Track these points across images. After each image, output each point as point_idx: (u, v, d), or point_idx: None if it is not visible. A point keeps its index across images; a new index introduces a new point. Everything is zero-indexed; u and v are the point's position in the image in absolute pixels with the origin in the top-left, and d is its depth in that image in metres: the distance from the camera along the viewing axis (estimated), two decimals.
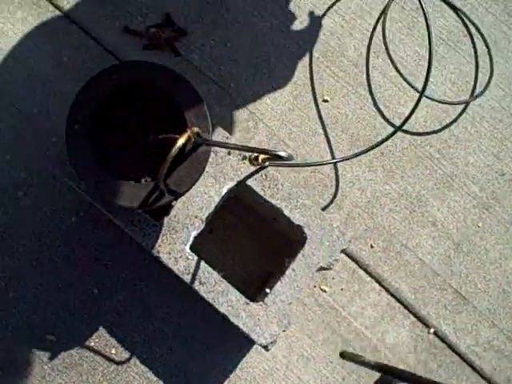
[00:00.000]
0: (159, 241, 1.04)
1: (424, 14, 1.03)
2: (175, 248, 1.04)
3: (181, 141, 0.87)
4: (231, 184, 1.07)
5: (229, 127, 1.26)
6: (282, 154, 0.94)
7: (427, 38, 1.02)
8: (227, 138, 1.09)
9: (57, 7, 1.26)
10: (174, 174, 0.94)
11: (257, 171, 1.07)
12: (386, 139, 1.10)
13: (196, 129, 0.90)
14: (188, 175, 0.94)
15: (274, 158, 0.97)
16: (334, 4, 1.30)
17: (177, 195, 0.94)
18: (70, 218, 1.21)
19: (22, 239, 1.20)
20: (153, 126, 0.99)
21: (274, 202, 1.08)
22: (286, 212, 1.07)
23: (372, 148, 1.11)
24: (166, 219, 1.05)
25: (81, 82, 1.21)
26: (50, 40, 1.25)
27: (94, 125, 0.95)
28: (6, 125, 1.23)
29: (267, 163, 1.04)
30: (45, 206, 1.21)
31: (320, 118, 1.30)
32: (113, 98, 0.97)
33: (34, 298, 1.18)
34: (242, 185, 1.07)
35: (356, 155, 1.11)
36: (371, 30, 1.31)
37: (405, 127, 1.14)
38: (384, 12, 1.30)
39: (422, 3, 1.05)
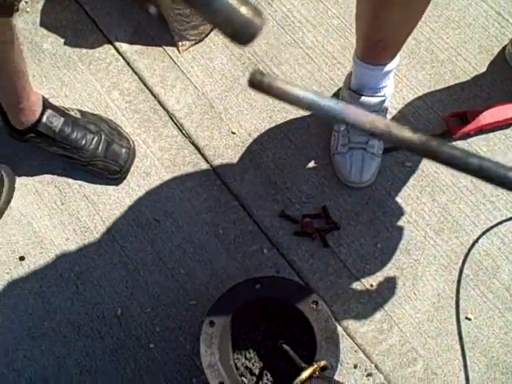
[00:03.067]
0: None
1: None
2: None
3: (304, 375, 0.97)
4: None
5: (361, 326, 1.24)
6: None
7: None
8: None
9: (224, 183, 1.37)
10: None
11: None
12: None
13: (322, 363, 0.99)
14: None
15: None
16: (495, 226, 1.30)
17: None
18: (190, 380, 1.22)
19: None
20: (282, 333, 1.14)
21: None
22: None
23: None
24: None
25: (230, 254, 1.30)
26: (211, 211, 1.35)
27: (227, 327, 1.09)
28: (153, 280, 1.30)
29: None
30: (171, 363, 1.23)
31: (459, 334, 1.25)
32: (251, 304, 1.09)
33: None
34: None
35: None
36: None
37: None
38: None
39: None
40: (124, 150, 1.37)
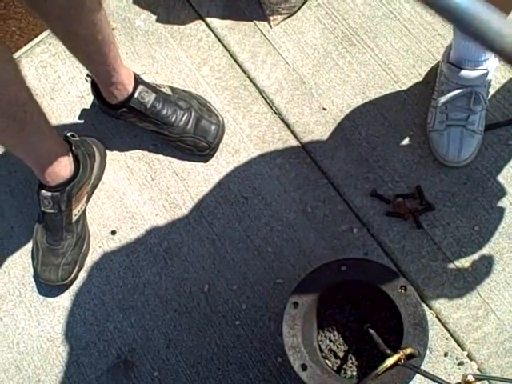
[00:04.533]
0: None
1: None
2: None
3: (389, 362, 0.94)
4: None
5: (455, 312, 1.20)
6: None
7: None
8: None
9: (314, 161, 1.36)
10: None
11: None
12: None
13: (409, 350, 0.96)
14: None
15: None
16: None
17: None
18: (275, 358, 1.23)
19: (228, 363, 1.26)
20: (369, 316, 1.13)
21: None
22: None
23: None
24: None
25: (319, 233, 1.29)
26: (300, 189, 1.35)
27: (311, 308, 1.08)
28: (240, 257, 1.32)
29: None
30: (256, 341, 1.26)
31: None
32: (337, 286, 1.08)
33: None
34: None
35: None
36: None
37: None
38: None
39: None
40: (213, 127, 1.39)
